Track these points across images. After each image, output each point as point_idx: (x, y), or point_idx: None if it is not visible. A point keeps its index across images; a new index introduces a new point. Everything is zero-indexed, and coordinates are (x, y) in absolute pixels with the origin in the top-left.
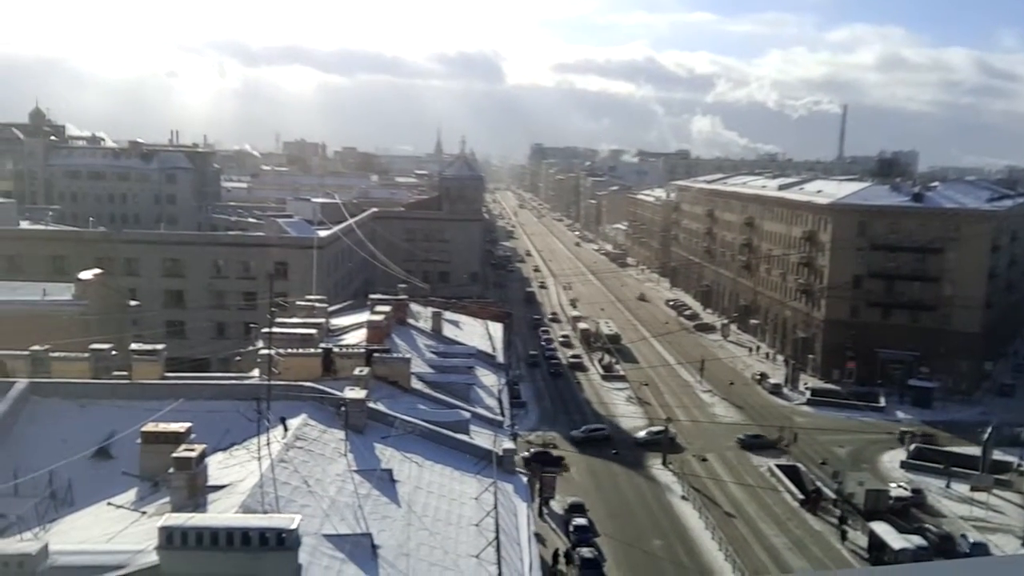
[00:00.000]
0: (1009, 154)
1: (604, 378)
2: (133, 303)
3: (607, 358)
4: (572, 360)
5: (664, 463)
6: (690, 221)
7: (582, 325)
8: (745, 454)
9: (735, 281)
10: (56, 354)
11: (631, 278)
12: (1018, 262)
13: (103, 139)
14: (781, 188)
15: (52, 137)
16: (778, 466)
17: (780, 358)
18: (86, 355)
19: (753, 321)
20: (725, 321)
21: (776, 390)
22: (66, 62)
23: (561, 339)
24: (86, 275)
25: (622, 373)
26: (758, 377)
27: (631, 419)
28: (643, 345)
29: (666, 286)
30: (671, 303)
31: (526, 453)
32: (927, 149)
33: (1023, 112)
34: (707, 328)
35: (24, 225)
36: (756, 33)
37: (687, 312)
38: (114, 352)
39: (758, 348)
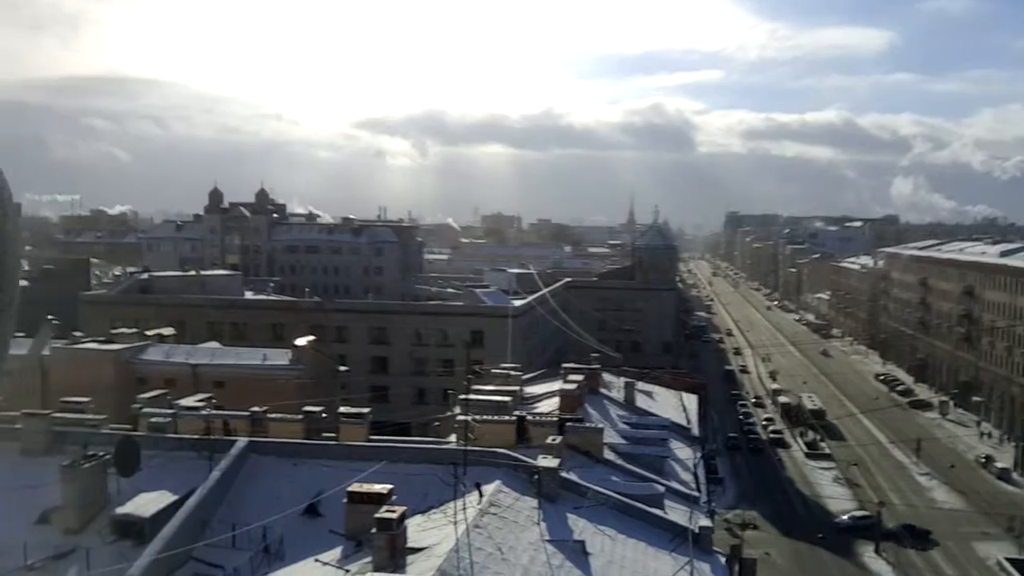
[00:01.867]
0: None
1: (808, 456)
2: (342, 368)
3: (811, 434)
4: (772, 436)
5: (877, 551)
6: (901, 290)
7: (783, 399)
8: (970, 544)
9: (953, 354)
10: (273, 415)
11: (836, 350)
12: None
13: (319, 215)
14: (1003, 255)
15: (275, 215)
16: (1008, 560)
17: (1008, 439)
18: (300, 417)
19: (975, 398)
20: (944, 398)
21: (1004, 475)
22: (287, 146)
23: (764, 422)
24: (301, 342)
25: (828, 451)
26: (983, 460)
27: (838, 501)
28: (851, 421)
29: (875, 359)
30: (881, 377)
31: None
32: None
33: None
34: (923, 405)
35: (248, 295)
36: (963, 92)
37: (899, 387)
38: (324, 415)
39: (981, 427)
